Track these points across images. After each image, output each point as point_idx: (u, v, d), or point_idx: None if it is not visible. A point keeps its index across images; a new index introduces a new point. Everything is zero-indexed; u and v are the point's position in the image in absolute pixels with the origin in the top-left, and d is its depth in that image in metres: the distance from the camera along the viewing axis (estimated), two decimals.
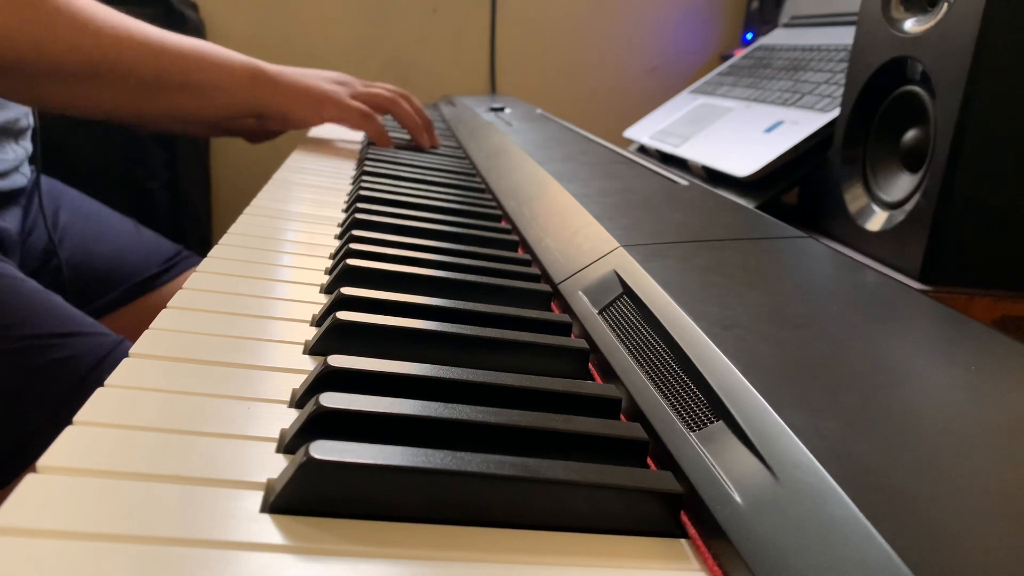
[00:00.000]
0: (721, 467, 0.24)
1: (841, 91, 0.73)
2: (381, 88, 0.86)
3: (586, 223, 0.46)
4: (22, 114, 0.75)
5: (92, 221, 0.87)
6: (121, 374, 0.28)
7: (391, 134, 0.87)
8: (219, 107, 0.72)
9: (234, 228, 0.50)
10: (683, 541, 0.24)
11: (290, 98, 0.75)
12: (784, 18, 1.27)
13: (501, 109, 1.09)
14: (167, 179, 1.35)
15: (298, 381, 0.31)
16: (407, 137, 0.90)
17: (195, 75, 0.68)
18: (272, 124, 0.78)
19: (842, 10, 1.04)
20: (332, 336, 0.33)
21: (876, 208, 0.65)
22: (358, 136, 0.98)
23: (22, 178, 0.76)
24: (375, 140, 0.84)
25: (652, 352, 0.32)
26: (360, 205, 0.56)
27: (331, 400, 0.26)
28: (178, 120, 0.73)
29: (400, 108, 0.86)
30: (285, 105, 0.75)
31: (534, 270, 0.47)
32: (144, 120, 0.72)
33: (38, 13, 0.57)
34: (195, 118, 0.73)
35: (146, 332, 0.32)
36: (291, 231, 0.52)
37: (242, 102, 0.73)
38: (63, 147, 1.18)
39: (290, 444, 0.26)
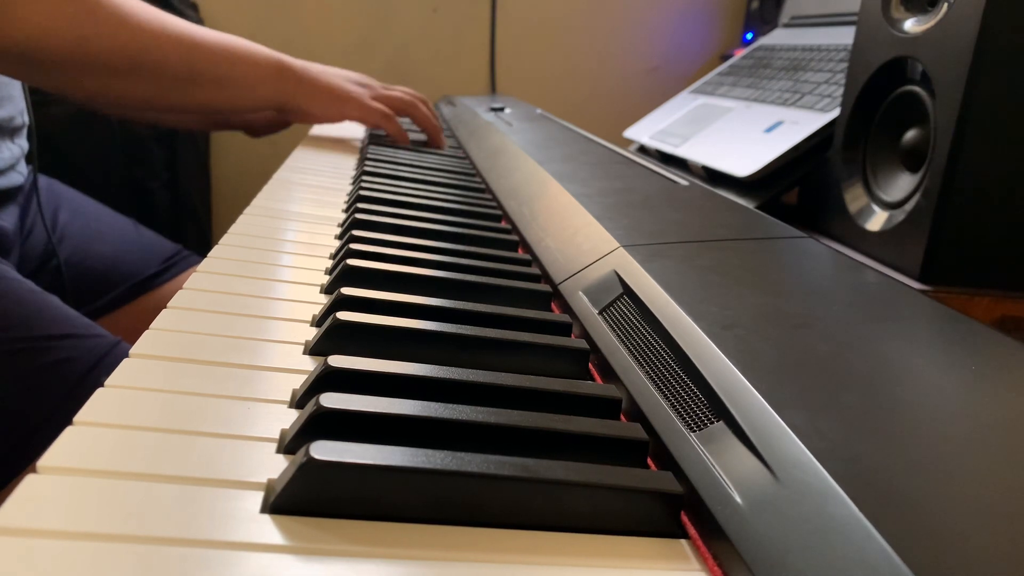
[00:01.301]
0: (721, 467, 0.24)
1: (841, 91, 0.73)
2: (400, 92, 0.89)
3: (586, 223, 0.46)
4: (17, 112, 0.75)
5: (92, 221, 0.87)
6: (121, 374, 0.28)
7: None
8: (246, 100, 0.74)
9: (234, 228, 0.50)
10: (683, 541, 0.24)
11: (313, 94, 0.77)
12: (784, 18, 1.27)
13: (501, 109, 1.09)
14: (167, 179, 1.35)
15: (298, 381, 0.31)
16: (423, 137, 0.93)
17: (226, 69, 0.70)
18: (293, 118, 0.80)
19: (842, 10, 1.04)
20: (332, 336, 0.33)
21: (876, 208, 0.65)
22: (358, 136, 0.98)
23: (19, 176, 0.76)
24: (395, 139, 0.86)
25: (652, 352, 0.32)
26: (360, 205, 0.56)
27: (331, 400, 0.26)
28: (208, 113, 0.75)
29: (419, 112, 0.88)
30: (308, 101, 0.77)
31: (534, 270, 0.47)
32: (175, 112, 0.74)
33: (81, 9, 0.59)
34: (224, 109, 0.75)
35: (146, 332, 0.32)
36: (291, 231, 0.52)
37: (268, 96, 0.75)
38: (62, 146, 1.18)
39: (290, 444, 0.26)
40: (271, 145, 1.06)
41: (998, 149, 0.55)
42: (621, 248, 0.40)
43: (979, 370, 0.29)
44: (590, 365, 0.35)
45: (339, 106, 0.79)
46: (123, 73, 0.63)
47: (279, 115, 0.80)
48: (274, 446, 0.26)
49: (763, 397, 0.25)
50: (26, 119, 0.78)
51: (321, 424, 0.25)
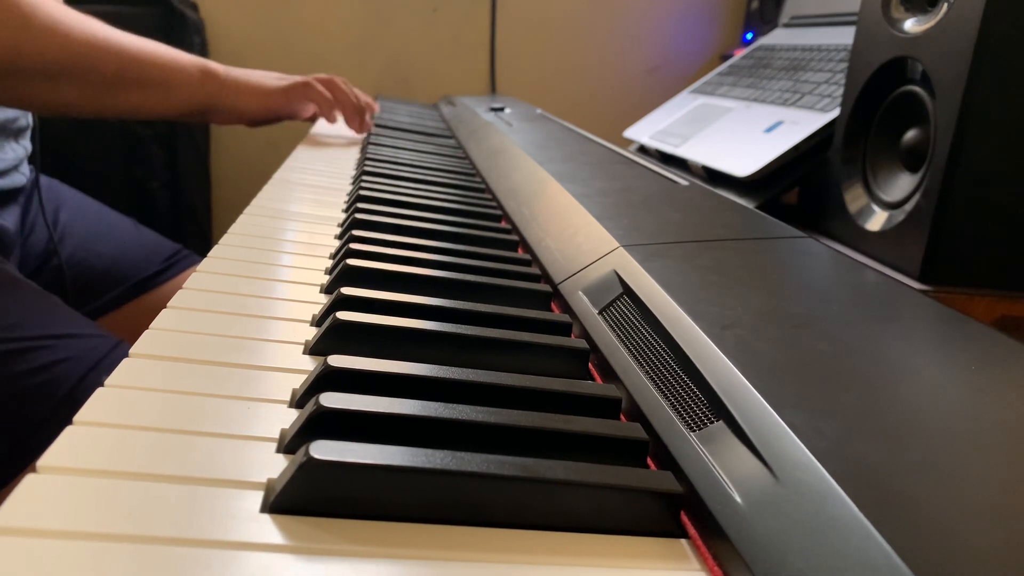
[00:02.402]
0: (721, 467, 0.24)
1: (841, 91, 0.73)
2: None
3: (586, 223, 0.46)
4: (21, 113, 0.75)
5: (92, 220, 0.87)
6: (121, 374, 0.28)
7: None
8: (172, 103, 0.76)
9: (234, 228, 0.50)
10: (683, 541, 0.24)
11: (238, 93, 0.81)
12: (784, 18, 1.27)
13: (501, 109, 1.09)
14: (167, 179, 1.35)
15: (298, 381, 0.31)
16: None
17: (152, 73, 0.72)
18: (221, 118, 0.83)
19: (842, 10, 1.04)
20: (332, 336, 0.33)
21: (876, 208, 0.65)
22: (358, 136, 0.98)
23: (21, 177, 0.76)
24: (319, 106, 0.89)
25: (652, 352, 0.32)
26: (360, 205, 0.56)
27: (331, 400, 0.26)
28: (137, 116, 0.77)
29: (335, 87, 0.90)
30: (233, 99, 0.80)
31: (534, 270, 0.47)
32: (105, 115, 0.75)
33: (14, 18, 0.60)
34: (151, 113, 0.76)
35: (146, 332, 0.32)
36: (291, 231, 0.52)
37: (193, 98, 0.77)
38: (63, 147, 1.18)
39: (290, 444, 0.26)
40: (271, 145, 1.06)
41: (998, 149, 0.55)
42: (621, 248, 0.40)
43: (979, 370, 0.29)
44: (590, 365, 0.35)
45: (264, 99, 0.83)
46: (53, 79, 0.64)
47: (205, 117, 0.83)
48: (274, 446, 0.26)
49: (763, 397, 0.25)
50: (30, 120, 0.78)
51: (321, 424, 0.25)
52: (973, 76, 0.53)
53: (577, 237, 0.46)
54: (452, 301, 0.38)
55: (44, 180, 0.83)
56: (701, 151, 0.89)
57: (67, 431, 0.24)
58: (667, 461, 0.26)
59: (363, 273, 0.41)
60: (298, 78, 0.88)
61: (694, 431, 0.27)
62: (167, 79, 0.74)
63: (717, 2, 1.63)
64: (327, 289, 0.42)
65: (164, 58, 0.73)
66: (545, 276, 0.46)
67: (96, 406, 0.26)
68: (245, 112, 0.82)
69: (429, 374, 0.30)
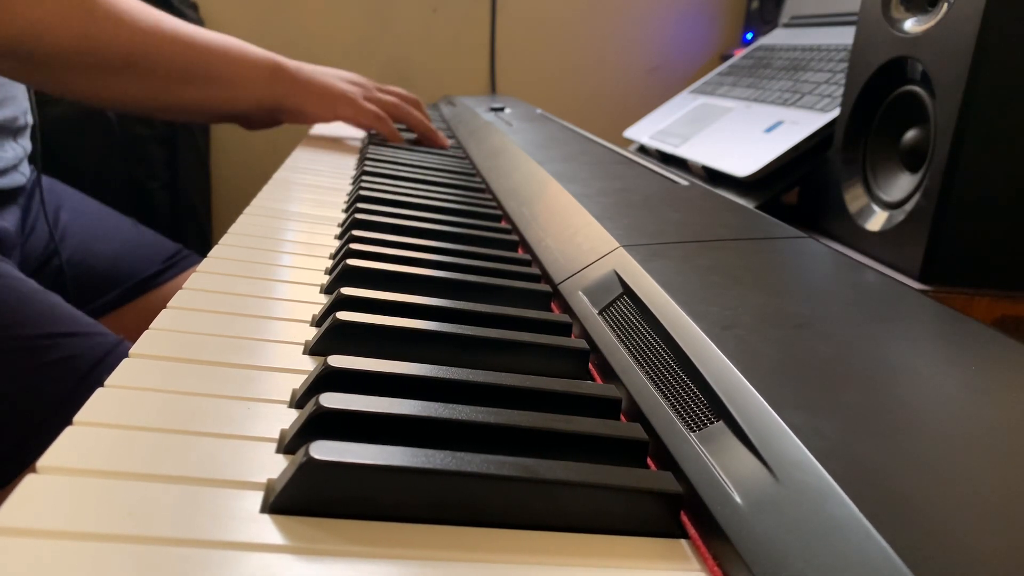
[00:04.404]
0: (721, 467, 0.24)
1: (841, 91, 0.73)
2: (394, 95, 0.89)
3: (586, 223, 0.46)
4: (20, 112, 0.75)
5: (93, 220, 0.87)
6: (121, 374, 0.28)
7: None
8: (240, 100, 0.74)
9: (234, 228, 0.50)
10: (683, 541, 0.24)
11: (307, 95, 0.78)
12: (784, 18, 1.27)
13: (501, 109, 1.08)
14: (167, 179, 1.35)
15: (298, 381, 0.31)
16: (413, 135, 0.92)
17: (220, 68, 0.70)
18: (286, 118, 0.81)
19: (842, 10, 1.04)
20: (332, 336, 0.33)
21: (876, 208, 0.65)
22: (358, 135, 0.98)
23: (21, 177, 0.76)
24: (388, 139, 0.87)
25: (652, 352, 0.32)
26: (360, 205, 0.56)
27: (331, 400, 0.26)
28: (201, 113, 0.75)
29: (413, 118, 0.88)
30: (302, 101, 0.78)
31: (534, 270, 0.47)
32: (169, 112, 0.74)
33: (79, 7, 0.59)
34: (217, 111, 0.75)
35: (146, 332, 0.32)
36: (291, 231, 0.52)
37: (262, 96, 0.75)
38: (63, 147, 1.18)
39: (290, 444, 0.26)
40: (271, 145, 1.06)
41: (998, 149, 0.55)
42: (621, 248, 0.40)
43: (979, 370, 0.29)
44: (590, 365, 0.35)
45: (332, 105, 0.80)
46: (117, 72, 0.63)
47: (273, 116, 0.81)
48: (274, 446, 0.26)
49: (763, 397, 0.25)
50: (30, 119, 0.78)
51: (321, 424, 0.25)
52: (973, 76, 0.53)
53: (577, 237, 0.46)
54: (452, 301, 0.38)
55: (44, 180, 0.83)
56: (701, 151, 0.89)
57: (67, 431, 0.24)
58: (667, 461, 0.26)
59: (363, 273, 0.41)
60: (371, 102, 0.84)
61: (694, 431, 0.27)
62: (235, 74, 0.71)
63: (717, 2, 1.63)
64: (327, 289, 0.42)
65: (233, 52, 0.71)
66: (545, 276, 0.46)
67: (96, 406, 0.26)
68: (311, 116, 0.80)
69: (429, 374, 0.30)
